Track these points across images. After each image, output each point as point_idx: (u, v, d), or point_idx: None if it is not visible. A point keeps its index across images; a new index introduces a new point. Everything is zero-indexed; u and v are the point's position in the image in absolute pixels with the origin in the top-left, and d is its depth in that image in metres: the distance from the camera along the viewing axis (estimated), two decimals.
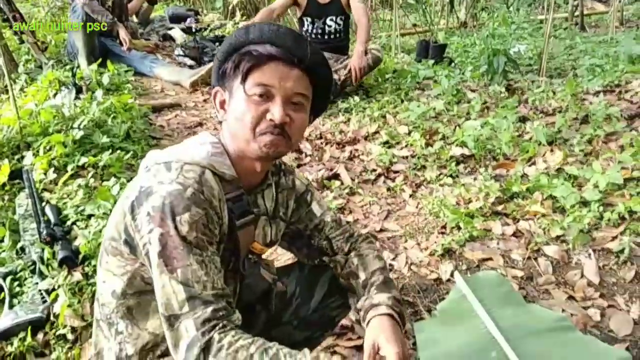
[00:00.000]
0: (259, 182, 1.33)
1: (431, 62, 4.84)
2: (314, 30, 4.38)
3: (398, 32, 6.27)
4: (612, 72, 3.74)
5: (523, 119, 3.44)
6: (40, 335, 1.86)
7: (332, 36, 4.40)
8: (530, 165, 2.94)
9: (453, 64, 4.97)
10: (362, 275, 1.43)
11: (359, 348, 1.93)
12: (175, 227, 1.07)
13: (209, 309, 1.06)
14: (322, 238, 1.47)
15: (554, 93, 3.62)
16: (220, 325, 1.06)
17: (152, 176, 1.14)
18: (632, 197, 2.50)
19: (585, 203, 2.57)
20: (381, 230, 2.63)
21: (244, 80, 1.18)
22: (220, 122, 1.28)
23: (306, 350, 1.09)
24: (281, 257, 2.23)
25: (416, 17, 7.98)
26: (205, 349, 1.03)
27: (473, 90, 4.11)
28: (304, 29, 4.39)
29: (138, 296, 1.22)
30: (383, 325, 1.31)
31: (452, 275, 2.29)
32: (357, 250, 1.48)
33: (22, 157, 2.85)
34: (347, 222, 1.54)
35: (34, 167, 2.71)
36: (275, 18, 4.38)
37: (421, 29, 7.25)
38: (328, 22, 4.36)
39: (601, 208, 2.51)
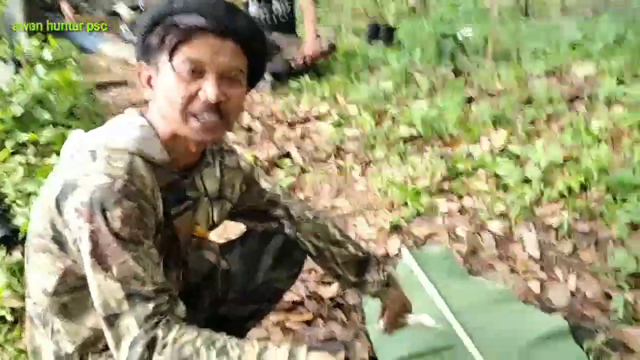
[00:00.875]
0: (195, 162, 1.23)
1: (381, 43, 4.87)
2: (261, 14, 4.32)
3: (350, 16, 6.30)
4: (555, 56, 3.87)
5: (469, 100, 3.52)
6: None
7: (279, 19, 4.37)
8: (475, 145, 3.01)
9: (403, 47, 5.01)
10: (352, 249, 1.51)
11: (309, 323, 1.95)
12: (107, 224, 0.98)
13: (150, 305, 0.99)
14: (278, 208, 1.47)
15: (499, 76, 3.72)
16: (164, 321, 1.00)
17: (77, 167, 1.04)
18: (571, 175, 2.60)
19: (527, 181, 2.67)
20: (332, 208, 2.66)
21: (171, 56, 1.05)
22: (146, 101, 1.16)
23: (254, 340, 1.03)
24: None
25: (368, 2, 8.00)
26: (149, 346, 0.98)
27: (420, 72, 4.16)
28: (251, 12, 4.33)
29: (72, 292, 1.14)
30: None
31: (399, 250, 2.33)
32: (329, 219, 1.54)
33: None
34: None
35: None
36: None
37: (371, 14, 7.29)
38: (274, 4, 4.33)
39: (542, 185, 2.61)
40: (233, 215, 1.46)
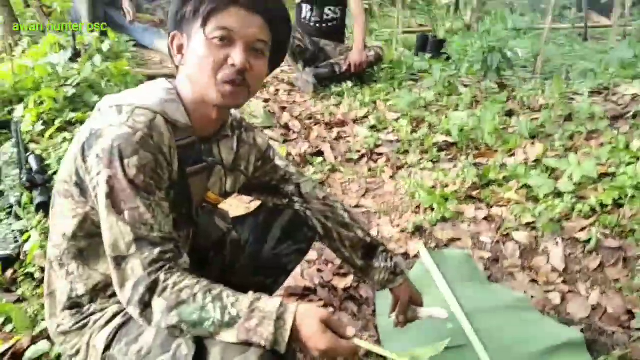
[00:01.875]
0: (214, 131, 1.31)
1: (428, 56, 4.88)
2: (312, 17, 4.42)
3: (401, 29, 6.33)
4: (603, 75, 3.78)
5: (510, 113, 3.48)
6: (9, 273, 1.90)
7: (329, 24, 4.45)
8: (510, 156, 2.98)
9: (450, 60, 5.00)
10: (360, 233, 1.58)
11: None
12: (123, 170, 1.06)
13: (156, 251, 1.06)
14: (289, 184, 1.52)
15: (543, 91, 3.66)
16: (167, 267, 1.07)
17: (103, 119, 1.13)
18: (605, 190, 2.54)
19: (559, 194, 2.61)
20: (357, 206, 2.68)
21: (204, 23, 1.14)
22: (177, 67, 1.25)
23: (250, 293, 1.10)
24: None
25: (425, 19, 8.01)
26: (151, 288, 1.05)
27: (466, 85, 4.15)
28: (302, 15, 4.44)
29: (89, 238, 1.22)
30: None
31: (419, 251, 2.33)
32: (339, 202, 1.60)
33: (13, 110, 2.89)
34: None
35: (23, 119, 2.76)
36: None
37: (426, 29, 7.29)
38: (326, 10, 4.41)
39: (574, 200, 2.55)
40: (246, 189, 1.53)
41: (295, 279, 2.09)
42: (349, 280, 2.14)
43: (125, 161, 1.06)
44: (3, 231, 2.02)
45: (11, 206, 2.15)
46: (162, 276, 1.06)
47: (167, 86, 1.22)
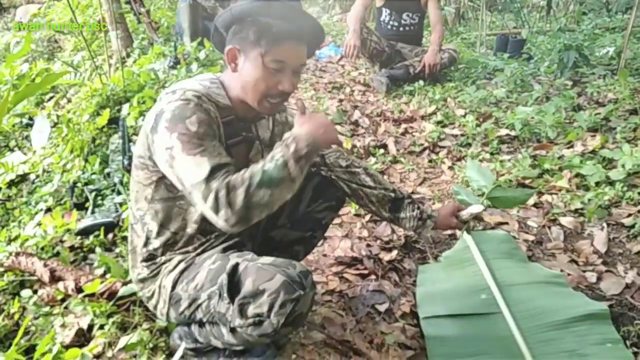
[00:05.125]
0: (252, 113, 1.57)
1: (506, 55, 4.95)
2: (390, 22, 4.66)
3: (486, 31, 6.39)
4: None
5: (578, 108, 3.52)
6: (110, 236, 2.34)
7: (406, 28, 4.67)
8: (569, 148, 3.06)
9: (531, 59, 5.04)
10: (383, 191, 1.85)
11: (364, 276, 2.24)
12: (187, 128, 1.35)
13: (223, 170, 1.33)
14: (318, 158, 1.81)
15: (614, 87, 3.66)
16: (229, 174, 1.33)
17: (163, 102, 1.42)
18: None
19: (611, 183, 2.68)
20: (412, 193, 2.90)
21: (265, 54, 1.42)
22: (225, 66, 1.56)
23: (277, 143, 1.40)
24: None
25: (517, 22, 7.97)
26: (227, 190, 1.29)
27: (540, 83, 4.21)
28: (381, 18, 4.70)
29: (162, 202, 1.51)
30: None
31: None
32: (362, 168, 1.85)
33: (120, 109, 3.42)
34: None
35: (128, 116, 3.26)
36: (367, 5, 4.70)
37: (517, 31, 7.26)
38: (404, 16, 4.64)
39: (625, 188, 2.61)
40: None
41: (345, 250, 2.36)
42: (394, 254, 2.37)
43: (187, 121, 1.37)
44: (107, 203, 2.48)
45: (115, 184, 2.61)
46: (229, 178, 1.31)
47: (212, 77, 1.54)
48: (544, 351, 1.88)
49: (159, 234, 1.58)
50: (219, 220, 1.32)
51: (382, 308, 2.06)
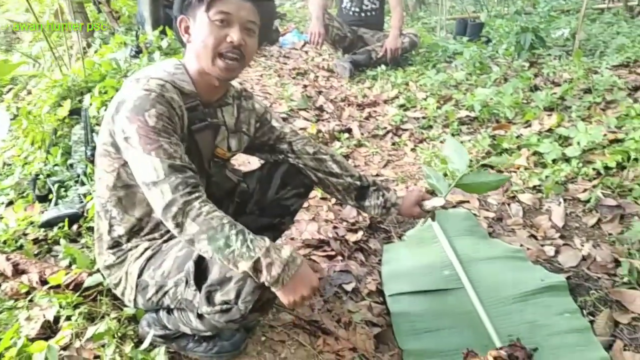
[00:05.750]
0: (217, 99, 1.60)
1: (466, 39, 5.03)
2: (352, 8, 4.69)
3: (446, 16, 6.48)
4: (634, 48, 3.83)
5: (534, 88, 3.62)
6: (75, 227, 2.31)
7: (368, 14, 4.70)
8: (526, 127, 3.15)
9: (489, 42, 5.13)
10: (349, 179, 1.86)
11: (331, 258, 2.27)
12: (146, 120, 1.35)
13: (181, 175, 1.34)
14: (283, 143, 1.83)
15: (569, 67, 3.77)
16: (197, 194, 1.34)
17: (126, 90, 1.42)
18: (610, 154, 2.68)
19: (567, 160, 2.77)
20: (377, 175, 2.95)
21: (208, 9, 1.43)
22: (184, 45, 1.56)
23: (266, 238, 1.36)
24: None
25: (476, 6, 8.08)
26: (183, 210, 1.31)
27: (498, 65, 4.30)
28: (343, 4, 4.72)
29: (126, 188, 1.51)
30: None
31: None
32: (329, 155, 1.87)
33: (82, 99, 3.36)
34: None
35: (90, 106, 3.21)
36: None
37: (475, 15, 7.37)
38: (365, 2, 4.68)
39: (580, 164, 2.71)
40: (250, 149, 1.84)
41: (312, 233, 2.39)
42: (360, 235, 2.41)
43: (146, 114, 1.37)
44: (71, 194, 2.45)
45: (78, 175, 2.58)
46: (197, 204, 1.33)
47: (175, 62, 1.55)
48: (505, 323, 1.95)
49: (123, 220, 1.57)
50: (167, 225, 1.36)
51: (349, 287, 2.10)
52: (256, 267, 1.31)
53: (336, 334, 1.86)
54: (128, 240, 1.60)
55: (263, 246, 1.32)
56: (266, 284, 1.32)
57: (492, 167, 2.87)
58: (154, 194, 1.35)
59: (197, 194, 1.35)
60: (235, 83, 1.72)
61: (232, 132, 1.70)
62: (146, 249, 1.57)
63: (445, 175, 2.81)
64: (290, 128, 1.87)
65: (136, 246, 1.59)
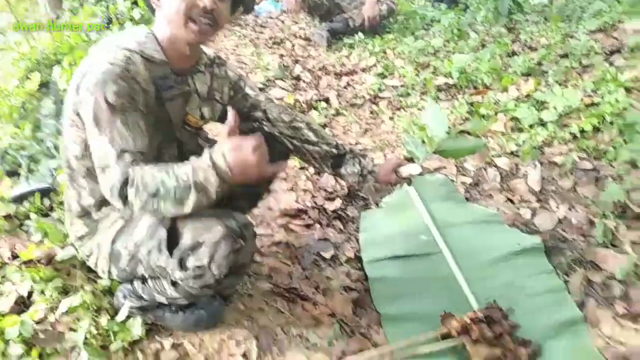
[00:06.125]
0: (189, 66, 1.56)
1: (444, 6, 4.98)
2: None
3: None
4: (611, 13, 3.82)
5: (512, 54, 3.60)
6: (47, 201, 2.27)
7: None
8: (504, 93, 3.14)
9: (467, 9, 5.08)
10: (325, 147, 1.84)
11: (309, 226, 2.27)
12: (104, 97, 1.31)
13: (129, 158, 1.32)
14: (258, 111, 1.80)
15: (547, 32, 3.76)
16: (136, 165, 1.32)
17: (92, 59, 1.38)
18: (587, 118, 2.69)
19: (544, 124, 2.78)
20: (355, 144, 2.93)
21: None
22: (154, 13, 1.51)
23: (192, 158, 1.34)
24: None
25: None
26: (124, 183, 1.30)
27: (476, 32, 4.26)
28: None
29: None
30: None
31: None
32: (305, 123, 1.84)
33: (52, 72, 3.27)
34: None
35: (60, 79, 3.13)
36: None
37: None
38: None
39: (556, 128, 2.72)
40: (223, 117, 1.80)
41: (290, 203, 2.38)
42: (338, 203, 2.41)
43: (107, 89, 1.33)
44: (42, 168, 2.40)
45: (49, 149, 2.53)
46: (131, 172, 1.31)
47: (145, 31, 1.49)
48: (482, 286, 1.97)
49: (92, 190, 1.55)
50: (118, 207, 1.35)
51: (327, 255, 2.11)
52: (199, 189, 1.30)
53: (315, 300, 1.87)
54: (98, 210, 1.57)
55: (189, 171, 1.30)
56: (219, 190, 1.31)
57: (469, 133, 2.86)
58: (103, 178, 1.34)
59: (133, 165, 1.32)
60: (208, 51, 1.68)
61: (205, 100, 1.67)
62: (117, 218, 1.55)
63: (423, 142, 2.80)
64: (265, 96, 1.84)
65: (107, 216, 1.56)
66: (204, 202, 1.32)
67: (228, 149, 1.31)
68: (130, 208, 1.34)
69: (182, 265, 1.37)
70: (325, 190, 2.50)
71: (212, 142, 1.82)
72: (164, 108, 1.50)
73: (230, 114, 1.40)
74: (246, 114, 1.80)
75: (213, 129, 1.87)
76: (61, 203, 2.23)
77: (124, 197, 1.32)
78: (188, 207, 1.32)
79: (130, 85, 1.37)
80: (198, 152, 1.73)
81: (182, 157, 1.65)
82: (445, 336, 1.75)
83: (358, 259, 2.14)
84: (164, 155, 1.54)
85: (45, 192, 2.28)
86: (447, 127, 2.25)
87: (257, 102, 1.80)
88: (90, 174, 1.52)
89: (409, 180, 1.92)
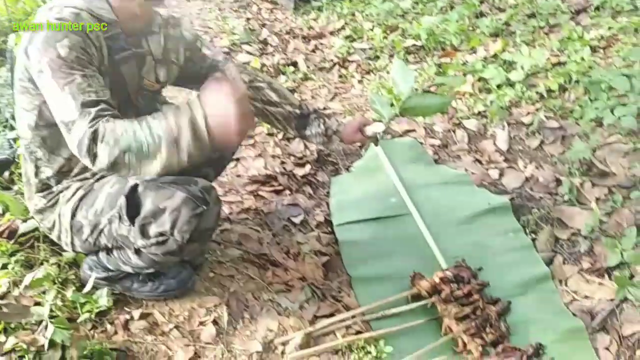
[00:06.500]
0: (141, 27, 1.48)
1: None
2: None
3: None
4: None
5: (480, 15, 3.58)
6: (6, 174, 2.20)
7: None
8: (472, 54, 3.13)
9: None
10: (289, 108, 1.79)
11: (278, 192, 2.25)
12: (57, 53, 1.24)
13: (94, 110, 1.24)
14: (217, 72, 1.74)
15: None
16: (104, 119, 1.24)
17: (38, 19, 1.30)
18: (554, 78, 2.70)
19: (512, 85, 2.79)
20: (324, 109, 2.90)
21: None
22: None
23: (165, 110, 1.25)
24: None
25: None
26: (93, 138, 1.22)
27: None
28: None
29: (49, 127, 1.38)
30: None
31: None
32: (266, 83, 1.79)
33: (7, 40, 3.14)
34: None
35: (15, 46, 3.01)
36: None
37: None
38: None
39: (524, 88, 2.73)
40: (181, 79, 1.75)
41: (259, 169, 2.35)
42: (307, 168, 2.39)
43: (58, 44, 1.26)
44: (0, 140, 2.31)
45: (7, 120, 2.44)
46: (100, 126, 1.23)
47: None
48: (451, 245, 2.00)
49: (50, 161, 1.49)
50: (86, 164, 1.26)
51: (297, 220, 2.10)
52: (171, 143, 1.21)
53: (285, 265, 1.87)
54: (58, 182, 1.51)
55: (165, 125, 1.21)
56: (194, 150, 1.22)
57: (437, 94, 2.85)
58: (70, 134, 1.26)
59: (102, 119, 1.24)
60: (162, 11, 1.62)
61: (160, 62, 1.60)
62: (78, 189, 1.49)
63: (392, 105, 2.79)
64: (224, 56, 1.78)
65: (67, 187, 1.51)
66: (174, 162, 1.22)
67: (208, 94, 1.23)
68: (101, 165, 1.24)
69: (144, 233, 1.34)
70: (295, 156, 2.47)
71: (171, 105, 1.76)
72: (118, 71, 1.44)
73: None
74: (204, 75, 1.74)
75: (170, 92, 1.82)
76: (21, 175, 2.17)
77: (92, 154, 1.23)
78: (157, 165, 1.23)
79: (82, 39, 1.29)
80: None
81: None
82: (416, 296, 1.77)
83: (328, 223, 2.13)
84: None
85: (4, 164, 2.20)
86: (413, 82, 2.22)
87: (215, 63, 1.74)
88: (47, 144, 1.46)
89: (375, 140, 1.91)
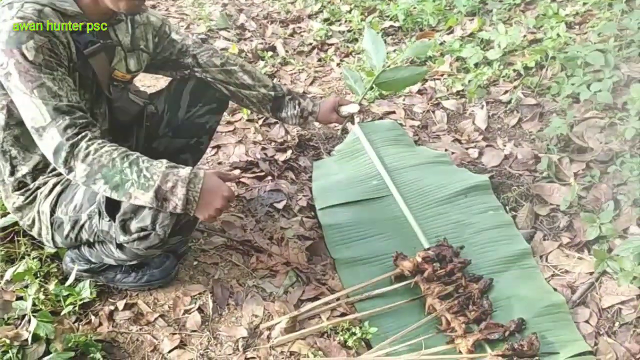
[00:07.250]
0: (107, 17, 1.45)
1: None
2: None
3: None
4: None
5: None
6: None
7: None
8: (449, 34, 3.13)
9: None
10: (263, 90, 1.82)
11: (260, 178, 2.25)
12: (23, 54, 1.22)
13: (68, 117, 1.25)
14: (187, 57, 1.73)
15: None
16: (85, 133, 1.26)
17: None
18: (530, 55, 2.71)
19: (489, 63, 2.80)
20: (304, 93, 2.89)
21: None
22: None
23: (164, 160, 1.30)
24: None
25: None
26: (71, 153, 1.24)
27: None
28: None
29: (21, 125, 1.36)
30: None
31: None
32: (239, 65, 1.79)
33: None
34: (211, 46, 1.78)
35: None
36: None
37: None
38: None
39: (502, 67, 2.74)
40: (152, 67, 1.73)
41: (240, 156, 2.34)
42: (289, 154, 2.39)
43: (23, 46, 1.23)
44: None
45: None
46: (84, 144, 1.24)
47: None
48: (432, 225, 2.02)
49: (25, 159, 1.48)
50: (59, 170, 1.30)
51: (280, 206, 2.10)
52: (159, 196, 1.25)
53: (269, 251, 1.88)
54: (34, 179, 1.50)
55: (159, 171, 1.26)
56: (178, 210, 1.28)
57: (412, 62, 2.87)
58: (42, 139, 1.27)
59: (84, 134, 1.26)
60: None
61: (130, 51, 1.59)
62: (55, 185, 1.49)
63: (371, 89, 2.79)
64: (194, 40, 1.76)
65: (44, 183, 1.50)
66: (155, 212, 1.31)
67: (210, 176, 1.32)
68: (74, 179, 1.29)
69: (125, 229, 1.33)
70: (276, 142, 2.47)
71: (142, 95, 1.74)
72: (87, 64, 1.42)
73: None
74: (174, 61, 1.74)
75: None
76: None
77: (69, 167, 1.26)
78: (132, 202, 1.28)
79: (48, 39, 1.27)
80: (130, 108, 1.66)
81: (112, 114, 1.59)
82: (399, 277, 1.79)
83: (311, 207, 2.14)
84: (94, 115, 1.46)
85: None
86: (385, 53, 2.21)
87: (185, 48, 1.73)
88: (21, 142, 1.44)
89: (351, 119, 1.91)
